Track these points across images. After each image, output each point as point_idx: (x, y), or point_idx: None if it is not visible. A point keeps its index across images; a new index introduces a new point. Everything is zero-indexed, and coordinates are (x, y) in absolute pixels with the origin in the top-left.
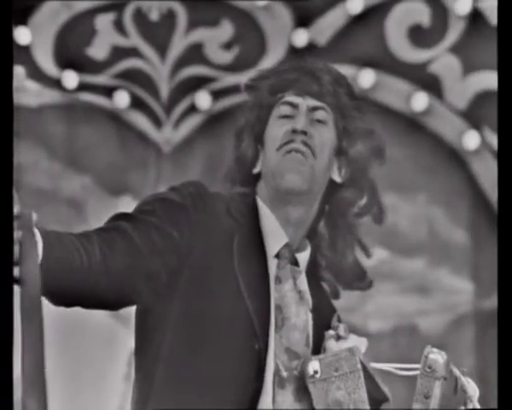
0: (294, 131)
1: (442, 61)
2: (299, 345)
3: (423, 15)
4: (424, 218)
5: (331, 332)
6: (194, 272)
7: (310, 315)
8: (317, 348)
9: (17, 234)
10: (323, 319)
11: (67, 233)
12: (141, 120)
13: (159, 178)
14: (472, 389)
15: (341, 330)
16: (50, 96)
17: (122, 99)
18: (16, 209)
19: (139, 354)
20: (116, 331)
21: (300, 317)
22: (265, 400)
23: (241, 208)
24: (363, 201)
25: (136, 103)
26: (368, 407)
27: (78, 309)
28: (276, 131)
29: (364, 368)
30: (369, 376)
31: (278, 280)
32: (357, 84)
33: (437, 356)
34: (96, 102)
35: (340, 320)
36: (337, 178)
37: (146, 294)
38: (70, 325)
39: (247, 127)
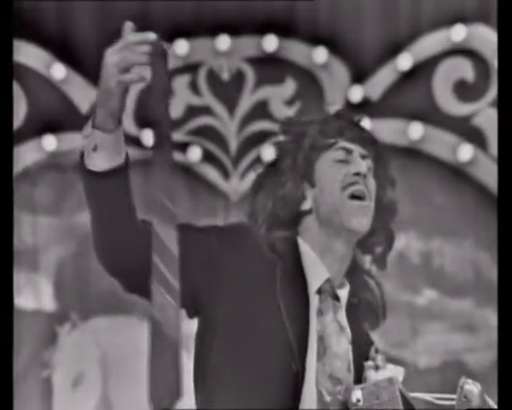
0: (357, 174)
1: (485, 114)
2: (341, 372)
3: (467, 71)
4: (470, 261)
5: (370, 363)
6: (238, 297)
7: (350, 346)
8: (358, 377)
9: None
10: (362, 350)
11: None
12: (211, 172)
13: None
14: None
15: (379, 360)
16: (130, 153)
17: (195, 154)
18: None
19: (195, 362)
20: None
21: (342, 345)
22: None
23: (283, 246)
24: (381, 247)
25: (207, 157)
26: None
27: None
28: (334, 173)
29: (403, 396)
30: (407, 403)
31: (320, 313)
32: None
33: (472, 387)
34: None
35: (377, 351)
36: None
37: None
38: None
39: (292, 168)
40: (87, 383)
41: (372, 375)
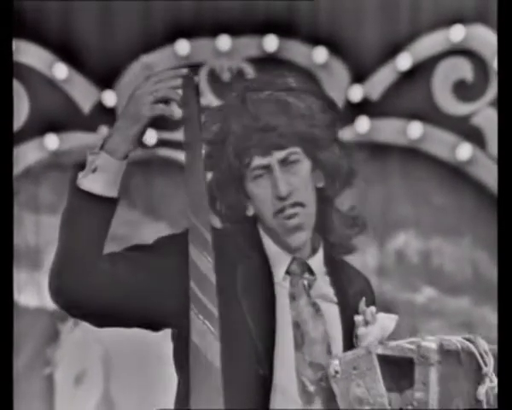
0: (281, 198)
1: (484, 113)
2: (321, 356)
3: (466, 71)
4: (469, 260)
5: (359, 318)
6: None
7: (330, 320)
8: (350, 335)
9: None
10: (354, 306)
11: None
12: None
13: None
14: (483, 351)
15: (368, 314)
16: (132, 152)
17: None
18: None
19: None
20: None
21: (319, 329)
22: None
23: (245, 239)
24: (340, 182)
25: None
26: (386, 400)
27: None
28: (260, 194)
29: (385, 356)
30: (396, 358)
31: (292, 298)
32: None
33: (428, 343)
34: (172, 157)
35: (367, 305)
36: (319, 185)
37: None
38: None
39: (226, 179)
40: (89, 381)
41: (362, 331)
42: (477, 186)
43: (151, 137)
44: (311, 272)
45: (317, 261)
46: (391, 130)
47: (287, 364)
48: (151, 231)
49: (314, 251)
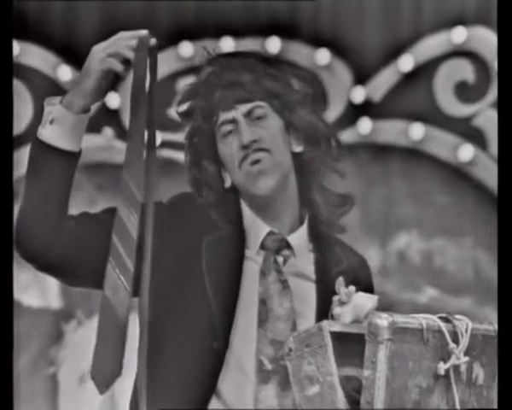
0: (244, 147)
1: (485, 115)
2: (284, 334)
3: (468, 73)
4: (471, 260)
5: (336, 298)
6: (165, 274)
7: (295, 300)
8: (326, 315)
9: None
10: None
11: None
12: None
13: None
14: (462, 332)
15: (342, 294)
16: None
17: None
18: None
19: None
20: None
21: (284, 306)
22: (245, 399)
23: (224, 212)
24: (322, 150)
25: None
26: (336, 379)
27: None
28: (227, 150)
29: (341, 334)
30: (353, 335)
31: (263, 274)
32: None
33: (379, 320)
34: (175, 158)
35: (360, 288)
36: (296, 149)
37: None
38: None
39: (200, 151)
40: None
41: (337, 311)
42: (478, 187)
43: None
44: (290, 247)
45: (299, 237)
46: (393, 131)
47: (247, 341)
48: None
49: (296, 226)
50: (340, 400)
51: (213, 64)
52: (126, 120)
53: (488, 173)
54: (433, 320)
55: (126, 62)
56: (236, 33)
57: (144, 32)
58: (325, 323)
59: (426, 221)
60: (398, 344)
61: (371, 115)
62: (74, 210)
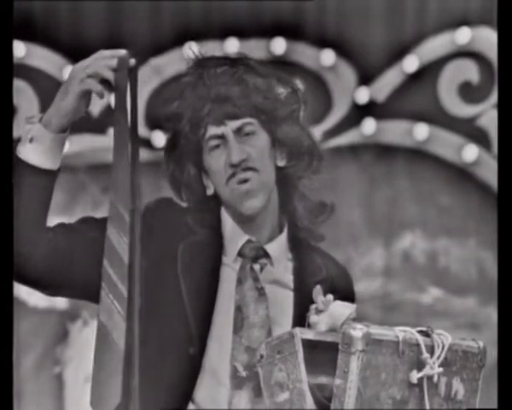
0: (233, 166)
1: (489, 115)
2: (258, 341)
3: (472, 73)
4: (474, 260)
5: (313, 306)
6: (141, 278)
7: (271, 308)
8: (302, 324)
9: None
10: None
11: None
12: None
13: None
14: (439, 344)
15: (319, 303)
16: (141, 153)
17: None
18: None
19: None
20: None
21: (259, 314)
22: (219, 404)
23: (202, 218)
24: (304, 163)
25: None
26: (306, 386)
27: None
28: (214, 164)
29: (314, 341)
30: (326, 344)
31: (239, 281)
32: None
33: (353, 331)
34: None
35: (321, 293)
36: (280, 163)
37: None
38: None
39: (184, 156)
40: None
41: (314, 319)
42: (482, 187)
43: (159, 138)
44: (268, 256)
45: (277, 246)
46: (397, 131)
47: (222, 347)
48: None
49: (275, 235)
50: (310, 407)
51: (200, 67)
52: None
53: (492, 174)
54: (411, 333)
55: (106, 82)
56: (241, 34)
57: (123, 51)
58: (297, 330)
59: (430, 221)
60: (372, 355)
61: (375, 116)
62: (79, 212)
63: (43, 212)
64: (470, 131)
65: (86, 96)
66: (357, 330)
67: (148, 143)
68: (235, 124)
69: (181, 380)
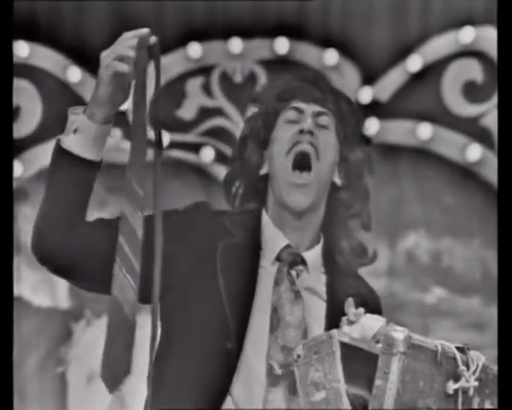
0: (302, 132)
1: (493, 114)
2: (294, 341)
3: (476, 72)
4: (478, 260)
5: (344, 318)
6: (180, 277)
7: (311, 311)
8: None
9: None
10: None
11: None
12: (223, 173)
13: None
14: (472, 360)
15: (351, 314)
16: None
17: (207, 154)
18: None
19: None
20: None
21: (295, 314)
22: (254, 400)
23: (241, 221)
24: (357, 205)
25: (220, 158)
26: (343, 386)
27: None
28: (283, 134)
29: (351, 347)
30: (364, 352)
31: (276, 283)
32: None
33: (395, 333)
34: (185, 158)
35: (353, 305)
36: (337, 181)
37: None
38: None
39: (251, 135)
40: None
41: (345, 330)
42: (486, 187)
43: (164, 138)
44: (304, 263)
45: (314, 255)
46: (401, 131)
47: (258, 345)
48: None
49: (313, 244)
50: (346, 407)
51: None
52: None
53: (496, 173)
54: (449, 347)
55: (132, 62)
56: (245, 34)
57: (145, 30)
58: (335, 331)
59: (434, 221)
60: (412, 360)
61: (379, 115)
62: (90, 210)
63: (83, 203)
64: (474, 130)
65: (119, 80)
66: (399, 333)
67: (151, 143)
68: (317, 108)
69: (218, 375)
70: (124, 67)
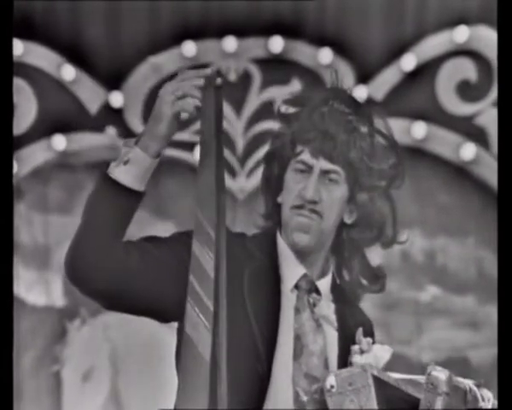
0: (304, 199)
1: (487, 113)
2: (317, 369)
3: (470, 71)
4: (473, 259)
5: (355, 347)
6: None
7: (327, 340)
8: (345, 362)
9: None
10: (352, 337)
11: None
12: None
13: (234, 221)
14: (486, 398)
15: (364, 344)
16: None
17: None
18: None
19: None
20: None
21: (318, 343)
22: None
23: (260, 244)
24: (373, 234)
25: None
26: None
27: None
28: (291, 184)
29: (381, 380)
30: (385, 386)
31: (297, 311)
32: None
33: (439, 374)
34: (179, 157)
35: (364, 335)
36: (347, 220)
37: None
38: None
39: (276, 156)
40: (96, 378)
41: (357, 359)
42: (481, 186)
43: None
44: (318, 292)
45: (326, 284)
46: (395, 130)
47: (284, 370)
48: (159, 231)
49: (324, 274)
50: None
51: (331, 94)
52: (129, 119)
53: (490, 172)
54: (470, 384)
55: (197, 102)
56: (239, 33)
57: (209, 70)
58: (368, 365)
59: (428, 220)
60: (449, 400)
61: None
62: (77, 211)
63: (122, 229)
64: (468, 129)
65: (178, 118)
66: (441, 373)
67: None
68: (326, 165)
69: (250, 398)
70: (191, 108)
